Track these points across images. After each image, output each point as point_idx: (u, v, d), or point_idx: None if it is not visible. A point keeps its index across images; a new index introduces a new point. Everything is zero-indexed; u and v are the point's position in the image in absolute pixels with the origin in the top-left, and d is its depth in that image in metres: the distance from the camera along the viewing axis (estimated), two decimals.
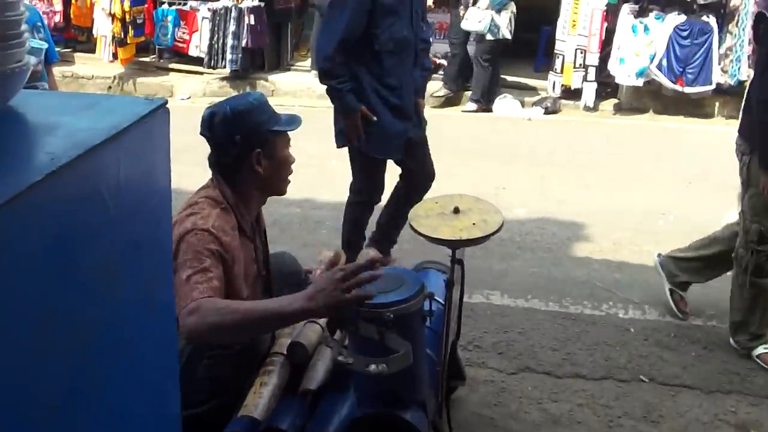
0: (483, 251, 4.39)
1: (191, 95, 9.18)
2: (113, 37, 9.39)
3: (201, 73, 9.58)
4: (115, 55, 9.47)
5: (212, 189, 2.45)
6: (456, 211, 2.36)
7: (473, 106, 8.57)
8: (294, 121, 2.55)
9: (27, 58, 1.28)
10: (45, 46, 3.44)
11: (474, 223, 2.30)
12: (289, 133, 2.54)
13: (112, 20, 9.31)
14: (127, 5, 9.23)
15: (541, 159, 6.72)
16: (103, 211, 1.14)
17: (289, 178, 2.59)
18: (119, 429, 1.29)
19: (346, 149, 3.87)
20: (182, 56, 9.77)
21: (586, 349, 3.54)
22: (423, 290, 2.12)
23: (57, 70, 9.40)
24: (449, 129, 7.27)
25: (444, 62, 9.16)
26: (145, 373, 1.36)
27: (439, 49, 9.17)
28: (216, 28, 9.17)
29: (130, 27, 9.36)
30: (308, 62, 9.60)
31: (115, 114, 1.25)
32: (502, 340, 3.58)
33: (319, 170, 5.66)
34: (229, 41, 9.09)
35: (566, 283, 4.26)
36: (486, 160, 6.52)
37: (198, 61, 9.51)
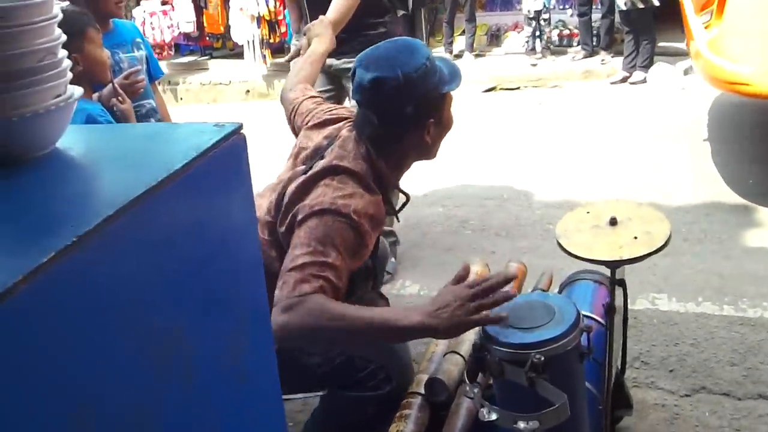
0: None
1: None
2: (262, 40, 9.25)
3: None
4: (264, 57, 9.30)
5: (357, 161, 2.02)
6: (613, 222, 1.96)
7: (622, 75, 7.80)
8: (457, 72, 2.11)
9: (70, 90, 1.04)
10: (142, 53, 3.31)
11: (636, 237, 1.90)
12: None
13: (259, 23, 9.17)
14: (272, 6, 9.08)
15: (700, 134, 5.93)
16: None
17: None
18: None
19: None
20: None
21: None
22: (579, 322, 1.76)
23: (196, 79, 9.66)
24: (597, 102, 6.72)
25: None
26: None
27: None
28: None
29: (276, 26, 9.24)
30: (441, 48, 9.30)
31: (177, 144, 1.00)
32: (672, 355, 3.10)
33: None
34: None
35: (741, 281, 3.69)
36: (640, 137, 5.90)
37: None
